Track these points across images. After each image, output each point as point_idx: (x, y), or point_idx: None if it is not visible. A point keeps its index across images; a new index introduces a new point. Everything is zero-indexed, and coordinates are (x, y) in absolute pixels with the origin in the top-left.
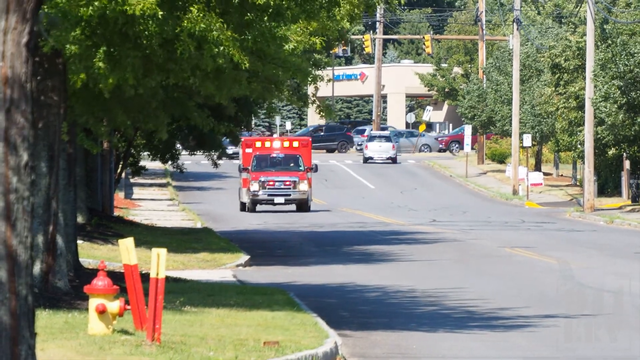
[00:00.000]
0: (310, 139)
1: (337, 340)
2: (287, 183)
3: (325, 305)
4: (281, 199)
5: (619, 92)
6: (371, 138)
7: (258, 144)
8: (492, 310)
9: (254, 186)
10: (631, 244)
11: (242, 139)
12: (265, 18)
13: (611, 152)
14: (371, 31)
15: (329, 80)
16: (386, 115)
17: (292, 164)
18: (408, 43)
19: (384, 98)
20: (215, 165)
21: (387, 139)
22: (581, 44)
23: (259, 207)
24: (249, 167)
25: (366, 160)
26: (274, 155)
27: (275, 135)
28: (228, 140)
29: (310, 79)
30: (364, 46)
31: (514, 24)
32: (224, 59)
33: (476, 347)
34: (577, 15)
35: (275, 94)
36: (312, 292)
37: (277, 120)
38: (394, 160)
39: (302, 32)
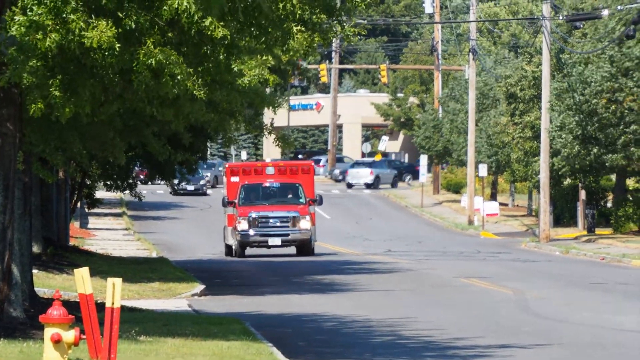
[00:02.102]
0: (313, 163)
1: None
2: (285, 220)
3: (281, 334)
4: (277, 240)
5: (575, 123)
6: (354, 165)
7: (246, 170)
8: (447, 340)
9: (243, 224)
10: (587, 275)
11: (227, 165)
12: (221, 50)
13: (567, 182)
14: (327, 61)
15: (287, 104)
16: (342, 145)
17: (290, 195)
18: (364, 73)
19: (339, 128)
20: (175, 191)
21: (369, 165)
22: (537, 74)
23: (249, 251)
24: (236, 200)
25: (349, 186)
26: (267, 184)
27: (267, 160)
28: (185, 170)
29: (268, 104)
30: (319, 76)
31: (470, 54)
32: (180, 90)
33: None
34: (533, 45)
35: (231, 124)
36: (268, 322)
37: (232, 150)
38: (370, 186)
39: (256, 66)
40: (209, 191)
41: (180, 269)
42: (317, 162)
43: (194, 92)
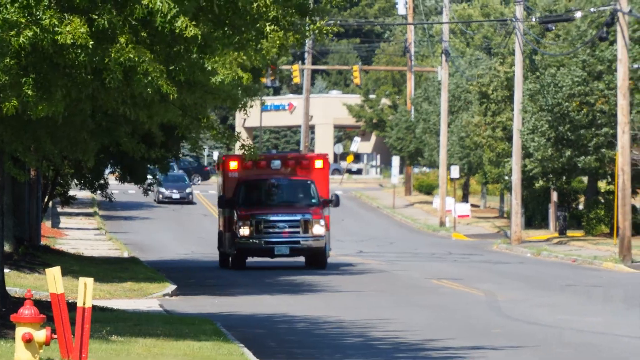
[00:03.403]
0: (327, 155)
1: None
2: (294, 224)
3: (253, 335)
4: (285, 249)
5: (547, 125)
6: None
7: (248, 164)
8: (419, 341)
9: (244, 229)
10: (558, 276)
11: (223, 157)
12: (194, 50)
13: (539, 184)
14: (300, 61)
15: (262, 104)
16: (314, 146)
17: (300, 195)
18: (336, 74)
19: (312, 129)
20: (146, 193)
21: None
22: (509, 75)
23: (250, 261)
24: (235, 200)
25: None
26: (273, 180)
27: (273, 152)
28: (157, 169)
29: (240, 106)
30: (292, 76)
31: (443, 55)
32: (153, 89)
33: None
34: (506, 46)
35: (200, 127)
36: (239, 323)
37: (205, 151)
38: None
39: (230, 65)
40: (195, 199)
41: (152, 269)
42: None
43: (167, 91)
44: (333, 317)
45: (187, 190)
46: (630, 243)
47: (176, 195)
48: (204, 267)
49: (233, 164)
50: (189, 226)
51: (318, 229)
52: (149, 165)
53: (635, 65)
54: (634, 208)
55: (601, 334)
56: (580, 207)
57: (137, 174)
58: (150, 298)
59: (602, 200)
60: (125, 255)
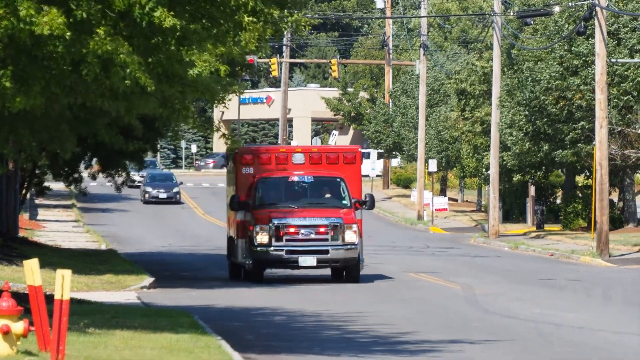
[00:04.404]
0: (360, 149)
1: None
2: (322, 230)
3: (230, 328)
4: (311, 260)
5: (525, 119)
6: None
7: (264, 158)
8: (397, 334)
9: (262, 236)
10: (535, 270)
11: (237, 150)
12: (172, 42)
13: (516, 178)
14: (278, 55)
15: (240, 93)
16: (292, 139)
17: (328, 195)
18: (315, 67)
19: (290, 122)
20: (119, 190)
21: None
22: (487, 69)
23: (268, 272)
24: (251, 201)
25: None
26: (296, 178)
27: (293, 143)
28: (133, 164)
29: (218, 99)
30: (270, 70)
31: (421, 49)
32: (131, 81)
33: None
34: (484, 40)
35: (180, 118)
36: (217, 315)
37: (183, 143)
38: None
39: (208, 57)
40: (183, 199)
41: (130, 262)
42: None
43: (144, 83)
44: (311, 311)
45: (175, 190)
46: (608, 237)
47: (163, 195)
48: (181, 260)
49: (247, 158)
50: (167, 218)
51: (350, 236)
52: (125, 161)
53: (613, 60)
54: (611, 202)
55: (578, 328)
56: (558, 201)
57: (113, 167)
58: (128, 290)
59: (580, 195)
60: (103, 247)
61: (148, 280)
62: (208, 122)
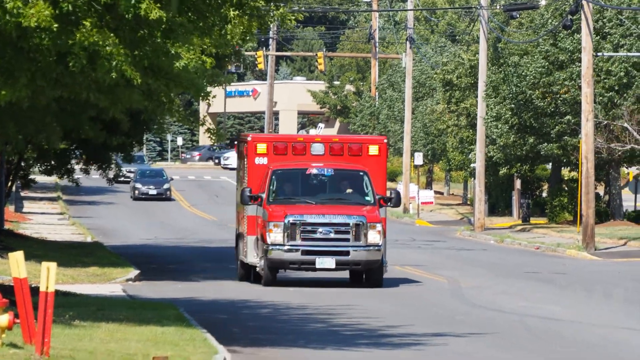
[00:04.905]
0: (385, 140)
1: (226, 356)
2: (343, 229)
3: (216, 321)
4: (329, 261)
5: (511, 112)
6: None
7: (279, 148)
8: (382, 327)
9: (275, 234)
10: (521, 264)
11: (250, 136)
12: (158, 34)
13: (502, 171)
14: (264, 48)
15: (226, 84)
16: (278, 132)
17: (350, 190)
18: (301, 60)
19: (276, 115)
20: (110, 182)
21: None
22: (474, 62)
23: (281, 274)
24: (264, 195)
25: None
26: (314, 170)
27: (312, 131)
28: (121, 156)
29: (203, 95)
30: (256, 63)
31: (407, 42)
32: (117, 73)
33: None
34: (470, 33)
35: (166, 111)
36: (202, 308)
37: (169, 136)
38: None
39: (193, 49)
40: (176, 197)
41: (115, 254)
42: None
43: (131, 76)
44: (297, 304)
45: (165, 186)
46: (594, 231)
47: (153, 192)
48: (167, 253)
49: (261, 147)
50: (153, 211)
51: (374, 236)
52: (112, 153)
53: (599, 54)
54: (597, 196)
55: (564, 321)
56: (544, 194)
57: (100, 161)
58: (113, 283)
59: (566, 188)
60: (89, 240)
61: (133, 272)
62: (194, 115)
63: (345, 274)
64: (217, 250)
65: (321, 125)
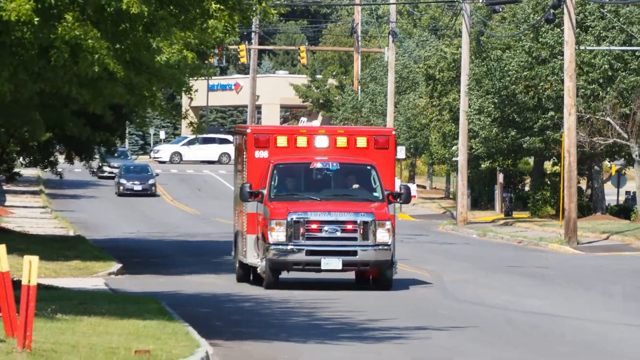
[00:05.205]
0: (393, 132)
1: (208, 350)
2: (350, 228)
3: (198, 314)
4: (336, 262)
5: (493, 106)
6: None
7: (281, 141)
8: (364, 321)
9: (278, 233)
10: (503, 257)
11: (249, 128)
12: (140, 28)
13: (485, 165)
14: (246, 41)
15: (208, 82)
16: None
17: (357, 185)
18: (283, 54)
19: (258, 108)
20: (94, 174)
21: None
22: (456, 56)
23: (284, 276)
24: (266, 191)
25: None
26: (319, 165)
27: (315, 123)
28: (104, 150)
29: (184, 89)
30: (239, 56)
31: (390, 36)
32: (99, 67)
33: (347, 357)
34: (453, 27)
35: (148, 105)
36: (184, 302)
37: (151, 130)
38: None
39: (176, 42)
40: (159, 191)
41: (98, 248)
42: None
43: (113, 69)
44: (279, 298)
45: (150, 182)
46: (576, 225)
47: (138, 187)
48: (149, 246)
49: (262, 140)
50: (136, 205)
51: (383, 235)
52: (95, 147)
53: (582, 47)
54: (579, 190)
55: (546, 314)
56: (527, 188)
57: (84, 153)
58: (95, 277)
59: (548, 182)
60: (71, 233)
61: (116, 266)
62: (176, 109)
63: (350, 275)
64: (200, 245)
65: (303, 119)
